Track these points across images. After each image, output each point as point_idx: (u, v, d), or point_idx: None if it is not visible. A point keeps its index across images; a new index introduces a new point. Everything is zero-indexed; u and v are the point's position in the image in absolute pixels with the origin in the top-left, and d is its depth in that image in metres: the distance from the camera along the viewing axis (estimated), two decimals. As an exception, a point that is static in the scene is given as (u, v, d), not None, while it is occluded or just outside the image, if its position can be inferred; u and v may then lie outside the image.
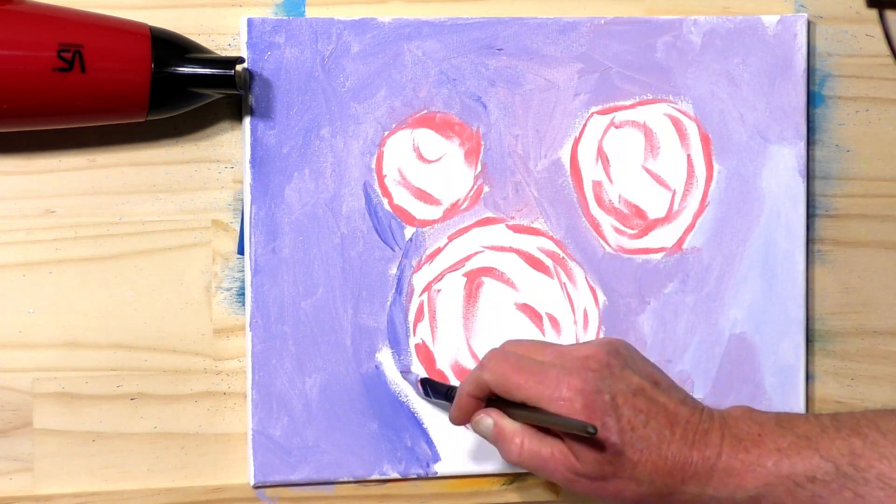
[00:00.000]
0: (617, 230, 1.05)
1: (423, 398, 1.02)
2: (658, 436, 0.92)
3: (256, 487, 1.02)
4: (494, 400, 0.95)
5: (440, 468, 1.03)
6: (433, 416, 1.03)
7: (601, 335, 1.05)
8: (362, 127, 1.02)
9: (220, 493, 1.02)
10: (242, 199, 1.01)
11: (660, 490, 0.92)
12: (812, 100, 1.08)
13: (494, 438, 0.95)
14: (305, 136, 1.01)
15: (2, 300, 0.99)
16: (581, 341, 0.97)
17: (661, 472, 0.92)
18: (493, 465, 1.04)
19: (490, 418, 0.95)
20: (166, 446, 1.01)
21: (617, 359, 0.94)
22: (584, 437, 0.90)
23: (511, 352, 0.95)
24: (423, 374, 1.02)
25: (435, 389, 1.01)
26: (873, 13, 1.09)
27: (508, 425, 0.94)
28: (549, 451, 0.93)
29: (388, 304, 1.02)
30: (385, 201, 1.02)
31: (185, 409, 1.01)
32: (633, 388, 0.93)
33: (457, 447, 1.03)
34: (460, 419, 0.97)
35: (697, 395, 1.06)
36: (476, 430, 0.96)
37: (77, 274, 0.99)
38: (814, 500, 0.91)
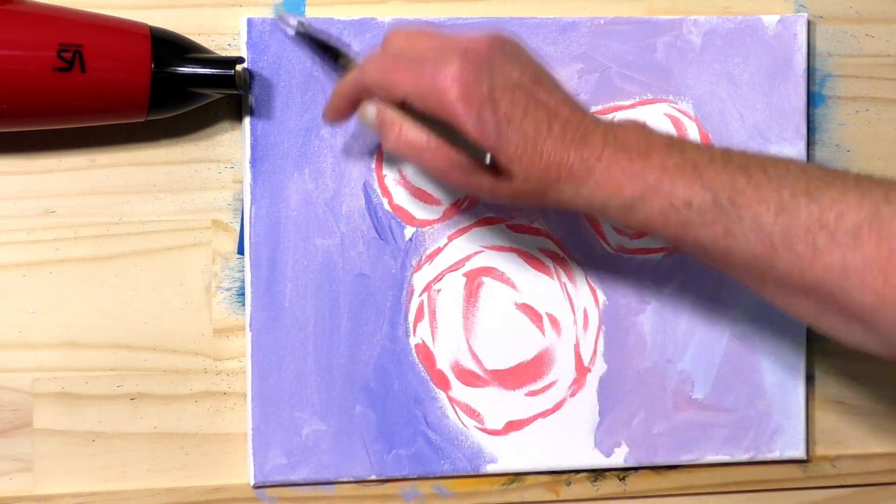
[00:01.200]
0: (617, 230, 1.05)
1: (291, 38, 0.99)
2: (535, 130, 0.89)
3: (256, 487, 1.02)
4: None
5: (440, 468, 1.03)
6: (433, 417, 1.03)
7: (601, 335, 1.05)
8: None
9: (220, 493, 1.02)
10: (242, 199, 1.01)
11: (534, 188, 0.90)
12: (812, 100, 1.08)
13: (378, 126, 0.92)
14: (305, 136, 1.01)
15: (2, 300, 0.99)
16: (457, 37, 0.93)
17: (535, 169, 0.89)
18: (493, 465, 1.04)
19: (373, 106, 0.92)
20: (166, 446, 1.01)
21: (499, 52, 0.91)
22: (476, 159, 0.88)
23: (390, 51, 0.93)
24: (302, 22, 0.98)
25: (315, 42, 0.98)
26: (873, 13, 1.09)
27: (390, 113, 0.91)
28: (425, 141, 0.90)
29: (388, 303, 1.02)
30: (385, 201, 1.02)
31: (185, 409, 1.01)
32: (513, 82, 0.90)
33: (457, 447, 1.03)
34: (333, 117, 0.96)
35: (697, 394, 1.06)
36: (361, 120, 0.94)
37: (77, 274, 0.99)
38: (684, 226, 0.89)
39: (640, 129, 0.92)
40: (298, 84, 1.00)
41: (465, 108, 0.89)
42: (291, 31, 0.98)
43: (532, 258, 1.04)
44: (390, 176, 1.02)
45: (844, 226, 0.86)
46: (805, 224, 0.86)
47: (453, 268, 1.03)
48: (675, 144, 0.91)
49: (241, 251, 1.01)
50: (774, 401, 1.07)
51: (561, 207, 0.92)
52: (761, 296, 0.92)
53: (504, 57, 0.91)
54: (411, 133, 0.91)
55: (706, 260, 0.91)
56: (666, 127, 1.05)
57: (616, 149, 0.90)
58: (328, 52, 0.98)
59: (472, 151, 0.88)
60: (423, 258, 1.03)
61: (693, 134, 1.06)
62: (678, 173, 0.89)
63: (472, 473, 1.04)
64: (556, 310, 1.05)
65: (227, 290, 1.02)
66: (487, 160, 0.88)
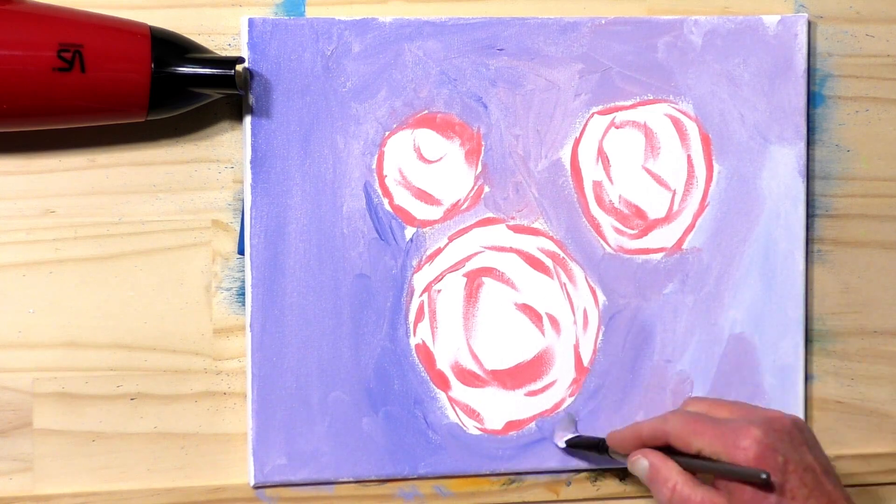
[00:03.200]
0: (617, 230, 1.05)
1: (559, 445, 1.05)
2: None
3: (256, 487, 1.02)
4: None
5: (440, 468, 1.03)
6: (433, 417, 1.03)
7: (601, 335, 1.05)
8: (363, 127, 1.01)
9: (220, 493, 1.02)
10: (242, 199, 1.01)
11: None
12: (812, 100, 1.08)
13: (649, 479, 0.97)
14: (305, 136, 1.01)
15: (2, 300, 0.99)
16: (762, 409, 0.99)
17: None
18: (493, 465, 1.04)
19: (646, 459, 0.97)
20: (166, 446, 1.01)
21: (799, 432, 0.96)
22: (750, 482, 0.92)
23: (694, 411, 0.98)
24: (567, 438, 1.04)
25: (581, 446, 1.03)
26: (873, 13, 1.09)
27: (664, 468, 0.96)
28: (700, 497, 0.95)
29: (389, 304, 1.02)
30: (386, 201, 1.02)
31: (185, 409, 1.01)
32: (807, 463, 0.94)
33: (457, 448, 1.03)
34: (615, 445, 1.00)
35: (697, 394, 1.06)
36: (632, 470, 0.99)
37: (77, 274, 0.99)
38: None
39: None
40: (298, 84, 1.00)
41: (757, 467, 0.92)
42: (562, 444, 1.04)
43: (532, 258, 1.04)
44: (391, 176, 1.02)
45: None
46: None
47: (453, 268, 1.03)
48: None
49: (241, 251, 1.01)
50: (774, 401, 1.07)
51: None
52: None
53: (802, 438, 0.95)
54: (685, 489, 0.95)
55: None
56: (666, 127, 1.05)
57: None
58: (595, 447, 1.03)
59: (748, 475, 0.92)
60: (424, 258, 1.03)
61: (693, 134, 1.05)
62: None
63: (472, 473, 1.04)
64: (556, 310, 1.05)
65: (227, 290, 1.01)
66: (763, 477, 0.91)
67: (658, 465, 0.97)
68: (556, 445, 1.04)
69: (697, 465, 0.96)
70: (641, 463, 0.98)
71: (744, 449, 0.93)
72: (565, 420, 1.04)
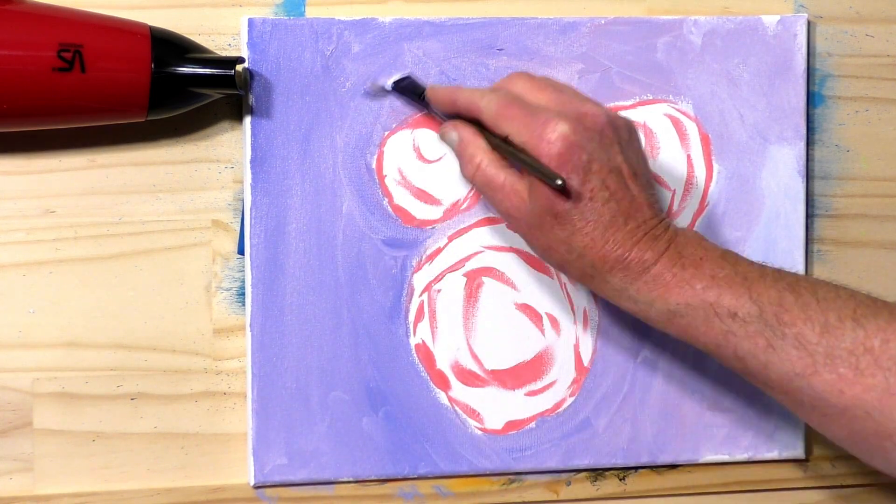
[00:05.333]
0: (617, 230, 1.05)
1: (384, 93, 1.02)
2: (611, 218, 0.91)
3: (256, 487, 1.02)
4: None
5: (440, 468, 1.03)
6: (433, 416, 1.03)
7: (600, 335, 1.05)
8: (363, 127, 1.01)
9: (220, 493, 1.02)
10: (242, 199, 1.01)
11: (584, 268, 0.92)
12: (812, 100, 1.08)
13: (458, 152, 0.95)
14: (305, 135, 1.01)
15: (2, 300, 0.99)
16: (580, 100, 0.95)
17: (594, 252, 0.91)
18: (493, 465, 1.04)
19: (456, 132, 0.95)
20: (166, 446, 1.01)
21: (612, 131, 0.93)
22: (546, 182, 0.90)
23: (514, 92, 0.95)
24: (397, 78, 1.01)
25: (407, 90, 1.01)
26: (873, 13, 1.09)
27: (473, 143, 0.94)
28: (502, 179, 0.93)
29: (389, 304, 1.02)
30: (385, 201, 1.02)
31: (185, 409, 1.01)
32: (614, 164, 0.92)
33: (457, 447, 1.03)
34: (436, 103, 0.98)
35: (696, 394, 1.06)
36: (442, 139, 0.97)
37: (77, 274, 0.99)
38: (726, 336, 0.91)
39: (699, 239, 0.94)
40: (298, 84, 1.00)
41: (559, 167, 0.90)
42: (389, 87, 1.01)
43: (532, 258, 1.04)
44: (391, 176, 1.02)
45: (889, 351, 0.88)
46: (849, 347, 0.89)
47: (453, 268, 1.03)
48: (728, 257, 0.93)
49: (241, 251, 1.01)
50: (774, 401, 1.07)
51: (602, 296, 0.94)
52: (795, 414, 0.94)
53: (614, 137, 0.93)
54: (490, 169, 0.94)
55: (744, 374, 0.93)
56: (666, 127, 1.05)
57: (672, 255, 0.92)
58: (418, 95, 1.01)
59: (545, 174, 0.90)
60: (424, 258, 1.03)
61: (693, 134, 1.06)
62: (727, 284, 0.91)
63: (472, 473, 1.04)
64: (556, 310, 1.05)
65: (227, 290, 1.02)
66: (559, 182, 0.89)
67: (467, 140, 0.95)
68: (384, 87, 1.01)
69: (504, 150, 0.93)
70: (451, 135, 0.96)
71: (549, 142, 0.90)
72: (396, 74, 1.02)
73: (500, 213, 0.95)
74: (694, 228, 1.06)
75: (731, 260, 0.93)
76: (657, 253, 0.92)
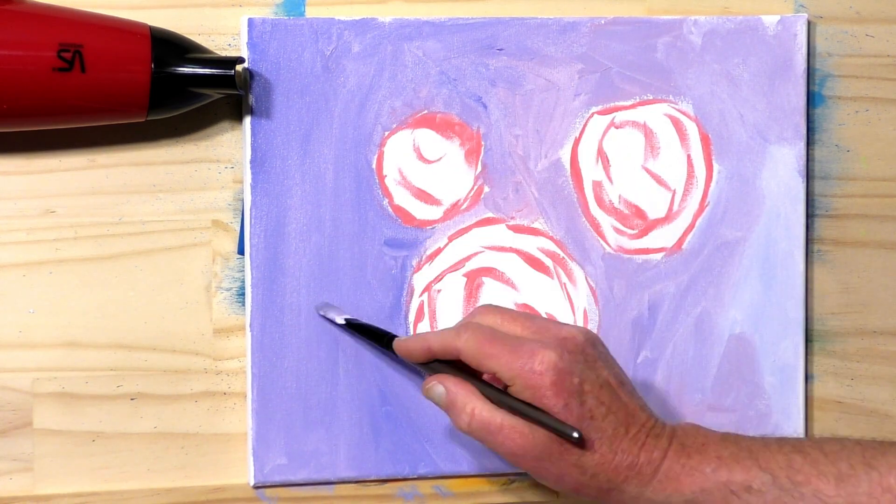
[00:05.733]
0: (617, 230, 1.05)
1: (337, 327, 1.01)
2: (613, 430, 0.93)
3: (256, 487, 1.02)
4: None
5: (440, 468, 1.03)
6: (433, 416, 1.03)
7: (600, 335, 1.05)
8: (363, 127, 1.01)
9: (220, 493, 1.02)
10: (242, 199, 1.01)
11: (600, 484, 0.93)
12: (812, 100, 1.08)
13: (447, 406, 0.95)
14: (305, 135, 1.01)
15: (2, 300, 0.99)
16: (554, 324, 0.97)
17: (606, 467, 0.92)
18: (493, 464, 1.04)
19: (442, 386, 0.95)
20: (166, 446, 1.01)
21: (593, 349, 0.95)
22: (562, 436, 0.91)
23: (487, 325, 0.95)
24: (345, 317, 1.01)
25: (368, 331, 1.00)
26: (873, 13, 1.09)
27: (462, 392, 0.94)
28: (499, 421, 0.93)
29: (389, 304, 1.02)
30: (385, 201, 1.02)
31: (185, 409, 1.01)
32: (602, 380, 0.93)
33: (457, 447, 1.03)
34: (403, 353, 0.97)
35: (696, 395, 1.06)
36: (427, 395, 0.96)
37: (77, 274, 0.99)
38: None
39: (696, 428, 0.96)
40: (298, 84, 1.00)
41: (556, 396, 0.91)
42: (341, 321, 1.01)
43: (532, 258, 1.04)
44: (391, 176, 1.02)
45: None
46: (867, 491, 0.90)
47: (453, 268, 1.03)
48: (729, 437, 0.95)
49: (241, 251, 1.01)
50: (774, 401, 1.07)
51: None
52: None
53: (595, 354, 0.94)
54: (485, 413, 0.93)
55: None
56: (666, 127, 1.05)
57: (676, 448, 0.94)
58: (375, 336, 1.00)
59: (559, 429, 0.91)
60: (424, 258, 1.03)
61: (693, 134, 1.06)
62: (734, 461, 0.93)
63: (472, 473, 1.04)
64: (556, 310, 1.05)
65: (227, 290, 1.02)
66: (576, 435, 0.90)
67: (455, 391, 0.94)
68: (334, 322, 1.01)
69: (502, 401, 0.93)
70: (437, 389, 0.95)
71: (539, 374, 0.91)
72: (327, 306, 1.01)
73: (504, 455, 0.94)
74: (694, 229, 1.06)
75: (732, 439, 0.95)
76: (662, 450, 0.93)
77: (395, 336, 0.99)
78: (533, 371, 0.92)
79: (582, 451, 0.92)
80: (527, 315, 0.97)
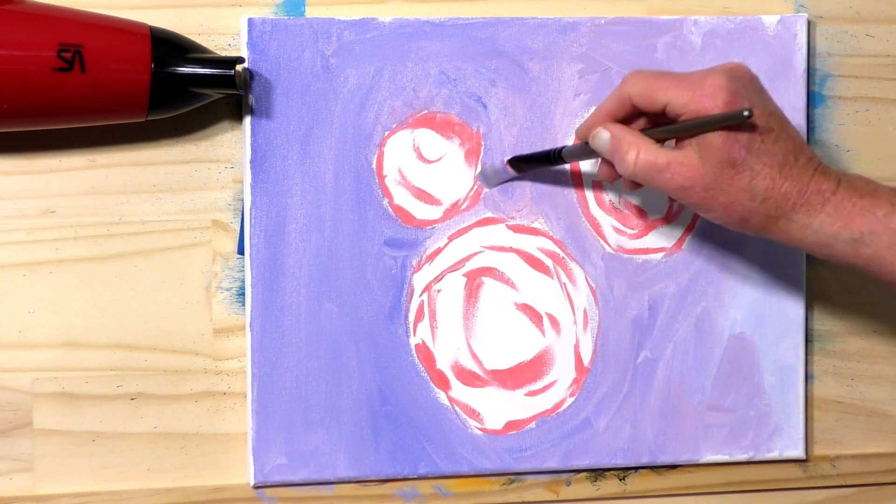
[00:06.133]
0: (617, 230, 1.05)
1: (506, 180, 1.02)
2: (783, 155, 0.92)
3: (256, 487, 1.02)
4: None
5: (440, 468, 1.03)
6: (433, 416, 1.03)
7: (600, 335, 1.05)
8: (363, 127, 1.02)
9: (220, 493, 1.02)
10: (242, 199, 1.01)
11: (769, 211, 0.93)
12: (812, 100, 1.08)
13: (612, 151, 0.94)
14: (305, 136, 1.01)
15: (2, 300, 0.99)
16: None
17: (776, 192, 0.92)
18: (493, 465, 1.04)
19: (607, 131, 0.95)
20: (166, 446, 1.01)
21: (756, 80, 0.94)
22: (731, 124, 0.90)
23: (647, 69, 0.96)
24: (504, 159, 1.01)
25: (531, 160, 1.00)
26: (873, 13, 1.09)
27: (626, 137, 0.94)
28: (665, 159, 0.93)
29: (389, 304, 1.02)
30: (385, 201, 1.02)
31: (185, 409, 1.01)
32: (770, 108, 0.93)
33: (457, 447, 1.03)
34: (584, 134, 0.97)
35: (696, 395, 1.06)
36: (593, 145, 0.96)
37: (77, 274, 0.99)
38: None
39: (866, 177, 0.95)
40: (298, 84, 1.00)
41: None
42: (506, 171, 1.01)
43: (532, 258, 1.04)
44: (391, 176, 1.02)
45: None
46: None
47: (453, 268, 1.03)
48: None
49: (241, 251, 1.01)
50: (774, 401, 1.07)
51: (786, 241, 0.94)
52: None
53: (762, 86, 0.94)
54: (650, 154, 0.93)
55: None
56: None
57: (848, 186, 0.93)
58: (544, 159, 1.00)
59: (730, 117, 0.90)
60: (424, 258, 1.03)
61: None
62: None
63: (472, 473, 1.04)
64: (556, 310, 1.05)
65: (227, 290, 1.02)
66: (746, 113, 0.89)
67: (619, 133, 0.94)
68: (490, 169, 1.01)
69: (669, 130, 0.93)
70: (602, 135, 0.95)
71: (711, 96, 0.91)
72: (489, 167, 1.02)
73: (671, 192, 0.93)
74: (694, 229, 1.06)
75: None
76: (833, 184, 0.93)
77: (563, 147, 0.99)
78: (704, 95, 0.91)
79: (752, 175, 0.91)
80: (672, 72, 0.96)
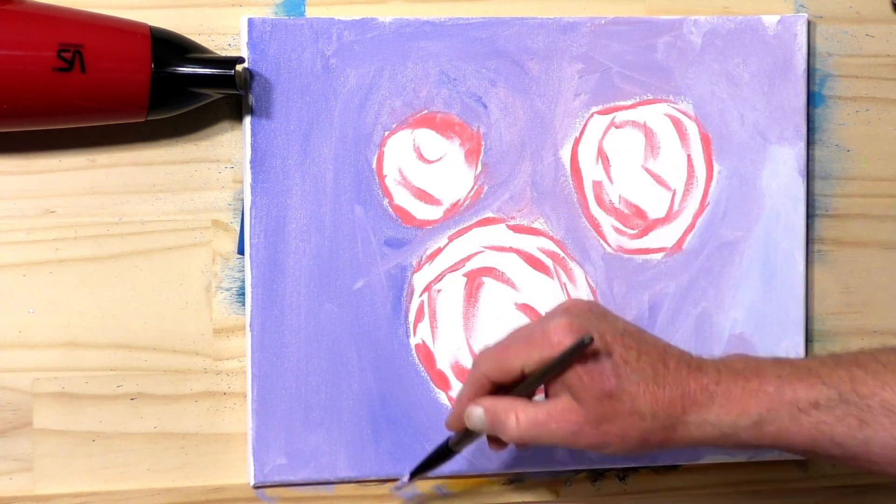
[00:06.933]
0: (617, 230, 1.05)
1: (418, 480, 1.02)
2: (653, 368, 0.91)
3: (256, 487, 1.02)
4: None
5: (440, 468, 1.03)
6: (433, 416, 1.03)
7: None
8: (363, 127, 1.02)
9: (220, 493, 1.02)
10: (242, 199, 1.01)
11: (663, 423, 0.91)
12: (812, 100, 1.08)
13: (491, 424, 0.93)
14: (305, 135, 1.01)
15: (2, 300, 0.99)
16: (553, 310, 0.95)
17: (661, 403, 0.91)
18: (493, 464, 1.04)
19: (479, 407, 0.93)
20: (166, 446, 1.01)
21: (599, 309, 0.94)
22: (579, 352, 0.90)
23: (493, 343, 0.95)
24: (407, 473, 1.01)
25: (428, 463, 1.00)
26: (873, 13, 1.09)
27: (500, 404, 0.93)
28: (544, 412, 0.92)
29: (389, 304, 1.02)
30: (385, 201, 1.02)
31: (185, 409, 1.01)
32: (620, 329, 0.92)
33: (457, 447, 1.04)
34: (455, 425, 0.96)
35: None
36: (471, 425, 0.94)
37: (77, 274, 0.99)
38: (819, 427, 0.91)
39: (743, 356, 0.95)
40: (298, 84, 1.00)
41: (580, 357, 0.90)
42: (406, 479, 1.01)
43: (532, 258, 1.04)
44: (391, 176, 1.02)
45: None
46: None
47: (453, 268, 1.03)
48: (782, 360, 0.94)
49: (241, 251, 1.01)
50: (774, 401, 1.07)
51: (692, 445, 0.93)
52: None
53: (603, 311, 0.94)
54: (529, 411, 0.92)
55: (846, 461, 0.93)
56: (666, 127, 1.05)
57: (729, 373, 0.92)
58: (437, 459, 1.00)
59: (574, 349, 0.89)
60: (424, 258, 1.03)
61: (693, 134, 1.06)
62: (795, 379, 0.91)
63: (472, 473, 1.04)
64: (556, 310, 1.05)
65: (227, 290, 1.02)
66: (587, 339, 0.89)
67: (492, 404, 0.93)
68: (401, 485, 1.01)
69: (527, 386, 0.92)
70: (475, 412, 0.94)
71: (559, 342, 0.90)
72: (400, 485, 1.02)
73: (563, 441, 0.92)
74: (694, 229, 1.06)
75: (786, 361, 0.94)
76: (713, 376, 0.92)
77: (448, 439, 0.98)
78: (552, 343, 0.90)
79: (632, 397, 0.90)
80: (514, 330, 0.95)
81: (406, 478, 1.00)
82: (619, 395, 0.90)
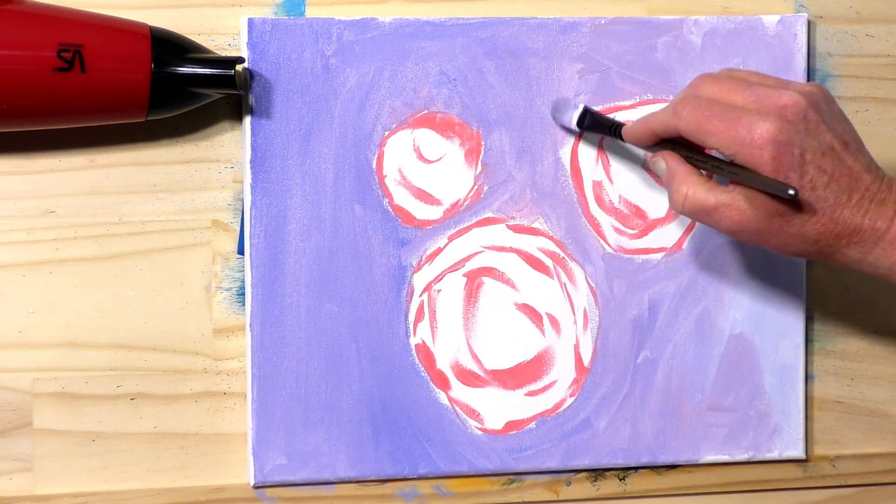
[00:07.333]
0: (617, 230, 1.05)
1: (571, 128, 1.02)
2: (836, 198, 0.92)
3: (256, 487, 1.02)
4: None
5: (440, 468, 1.03)
6: (433, 416, 1.03)
7: (600, 335, 1.05)
8: (363, 127, 1.02)
9: (220, 493, 1.02)
10: (242, 199, 1.01)
11: (822, 249, 0.93)
12: (812, 100, 1.08)
13: (667, 181, 0.96)
14: (305, 135, 1.01)
15: (2, 300, 0.99)
16: (774, 90, 0.93)
17: (828, 234, 0.92)
18: (493, 465, 1.04)
19: (664, 162, 0.96)
20: (166, 446, 1.01)
21: (816, 112, 0.93)
22: (777, 196, 0.90)
23: (706, 97, 0.94)
24: (579, 114, 1.02)
25: (597, 121, 1.01)
26: (873, 13, 1.09)
27: (678, 174, 0.95)
28: (713, 201, 0.93)
29: (389, 303, 1.02)
30: (385, 201, 1.02)
31: (185, 409, 1.01)
32: (825, 146, 0.92)
33: (456, 447, 1.03)
34: (632, 140, 0.98)
35: (696, 395, 1.06)
36: (653, 167, 0.98)
37: (77, 274, 0.99)
38: None
39: None
40: (298, 84, 1.00)
41: (775, 171, 0.91)
42: (574, 125, 1.02)
43: (532, 258, 1.04)
44: (391, 176, 1.02)
45: None
46: None
47: (453, 268, 1.03)
48: None
49: (241, 251, 1.01)
50: (774, 401, 1.07)
51: (841, 268, 0.95)
52: None
53: (819, 118, 0.93)
54: (699, 195, 0.94)
55: None
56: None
57: None
58: (609, 129, 1.01)
59: (775, 188, 0.90)
60: (424, 258, 1.03)
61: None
62: None
63: (472, 473, 1.04)
64: (556, 310, 1.05)
65: (227, 290, 1.02)
66: (791, 192, 0.89)
67: (673, 167, 0.95)
68: (564, 126, 1.02)
69: (718, 170, 0.93)
70: (660, 165, 0.96)
71: (759, 147, 0.90)
72: (561, 103, 1.02)
73: (721, 230, 0.94)
74: (694, 229, 1.06)
75: None
76: (888, 218, 0.92)
77: (623, 124, 0.99)
78: (753, 145, 0.91)
79: (802, 222, 0.92)
80: (745, 81, 0.95)
81: (573, 123, 1.01)
82: (791, 218, 0.92)
